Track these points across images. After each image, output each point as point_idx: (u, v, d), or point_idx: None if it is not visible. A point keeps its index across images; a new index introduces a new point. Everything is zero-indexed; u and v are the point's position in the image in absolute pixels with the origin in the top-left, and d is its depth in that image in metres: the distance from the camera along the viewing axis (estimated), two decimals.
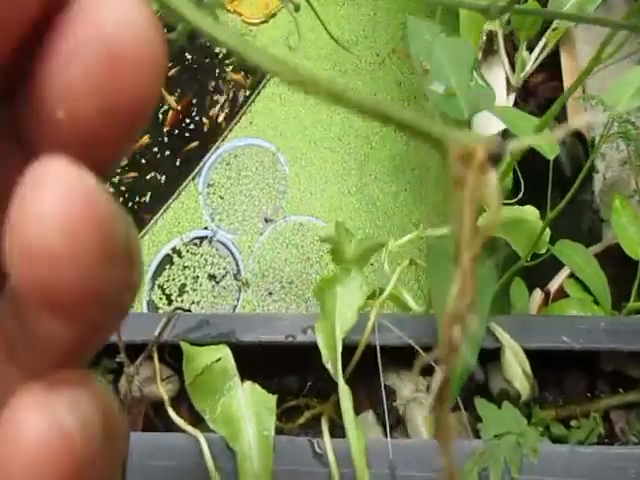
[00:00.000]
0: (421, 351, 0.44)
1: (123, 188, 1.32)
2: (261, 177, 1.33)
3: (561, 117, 0.95)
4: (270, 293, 1.17)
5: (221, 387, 0.41)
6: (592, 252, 0.83)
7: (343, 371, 0.40)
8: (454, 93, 0.44)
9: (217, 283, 1.17)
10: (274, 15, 1.69)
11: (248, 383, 0.42)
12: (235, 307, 1.13)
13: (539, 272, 0.67)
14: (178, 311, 0.50)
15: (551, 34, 0.93)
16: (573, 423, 0.44)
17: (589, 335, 0.44)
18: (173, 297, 1.14)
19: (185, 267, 1.16)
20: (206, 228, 1.23)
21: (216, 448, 0.40)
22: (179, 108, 1.46)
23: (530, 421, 0.44)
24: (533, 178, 0.62)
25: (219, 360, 0.43)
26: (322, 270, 1.24)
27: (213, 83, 1.51)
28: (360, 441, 0.37)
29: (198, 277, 1.16)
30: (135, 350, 0.45)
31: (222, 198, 1.30)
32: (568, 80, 0.96)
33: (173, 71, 1.46)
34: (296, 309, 1.14)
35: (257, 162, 1.37)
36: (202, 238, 1.22)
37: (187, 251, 1.18)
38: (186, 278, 1.16)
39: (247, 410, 0.40)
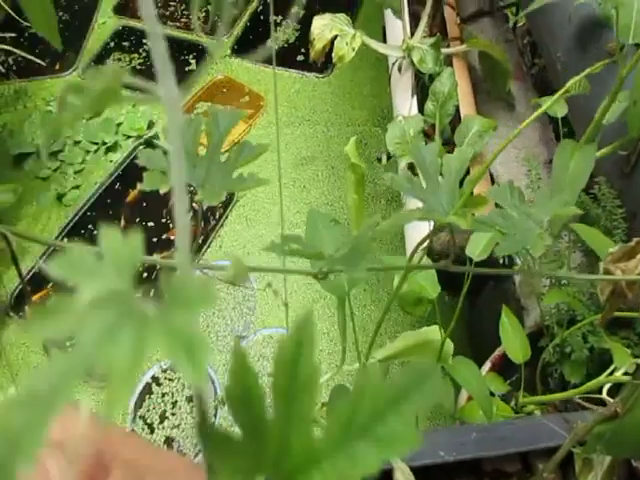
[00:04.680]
0: None
1: None
2: (232, 296, 1.45)
3: None
4: None
5: None
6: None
7: None
8: None
9: None
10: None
11: None
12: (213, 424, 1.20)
13: None
14: None
15: None
16: None
17: (461, 447, 0.53)
18: (155, 425, 1.21)
19: (164, 394, 1.24)
20: None
21: None
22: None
23: None
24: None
25: None
26: None
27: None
28: None
29: (177, 402, 1.25)
30: None
31: None
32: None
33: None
34: None
35: (227, 283, 1.49)
36: None
37: (165, 378, 1.27)
38: (165, 405, 1.24)
39: None
